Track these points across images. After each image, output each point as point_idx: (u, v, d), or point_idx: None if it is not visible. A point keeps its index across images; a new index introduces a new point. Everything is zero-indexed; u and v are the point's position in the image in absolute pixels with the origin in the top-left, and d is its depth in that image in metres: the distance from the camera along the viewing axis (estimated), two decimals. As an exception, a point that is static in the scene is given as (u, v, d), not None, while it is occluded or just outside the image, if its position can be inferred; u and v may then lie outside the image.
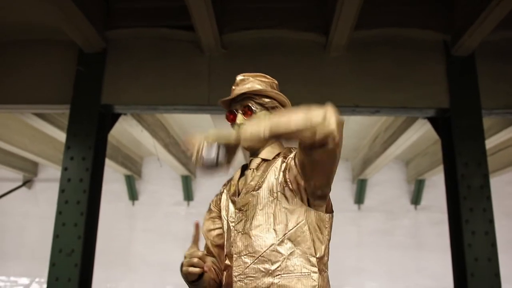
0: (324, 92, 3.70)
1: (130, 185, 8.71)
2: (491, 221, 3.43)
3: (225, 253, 1.54)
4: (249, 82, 1.61)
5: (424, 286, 8.08)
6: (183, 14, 3.45)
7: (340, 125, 1.23)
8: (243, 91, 1.58)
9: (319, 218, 1.44)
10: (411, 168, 8.44)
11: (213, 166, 1.35)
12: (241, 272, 1.41)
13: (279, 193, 1.45)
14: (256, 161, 1.57)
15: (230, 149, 1.38)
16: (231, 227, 1.51)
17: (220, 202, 1.66)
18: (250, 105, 1.57)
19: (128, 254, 8.61)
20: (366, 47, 3.80)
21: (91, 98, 3.76)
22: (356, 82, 3.72)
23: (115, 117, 4.05)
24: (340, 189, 8.56)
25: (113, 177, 8.19)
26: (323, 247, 1.43)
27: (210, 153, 1.34)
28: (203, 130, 1.51)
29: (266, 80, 1.63)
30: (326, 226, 1.46)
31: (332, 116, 1.21)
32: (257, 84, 1.60)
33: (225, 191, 1.66)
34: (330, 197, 1.52)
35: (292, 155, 1.47)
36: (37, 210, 8.78)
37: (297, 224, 1.40)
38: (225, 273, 1.51)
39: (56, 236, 3.51)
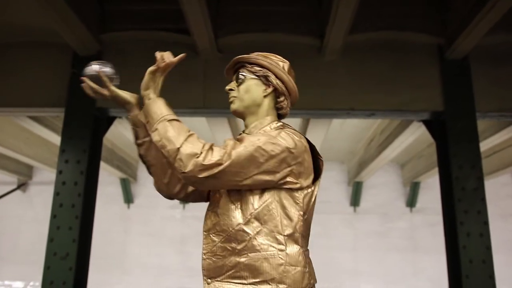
0: (319, 95, 3.71)
1: (126, 188, 8.68)
2: (485, 223, 3.44)
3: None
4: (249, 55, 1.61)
5: (419, 288, 8.11)
6: (178, 18, 3.45)
7: (202, 169, 1.30)
8: (236, 59, 1.59)
9: (288, 195, 1.40)
10: (406, 170, 8.47)
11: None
12: (209, 250, 1.41)
13: None
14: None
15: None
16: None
17: None
18: (240, 71, 1.58)
19: (123, 258, 8.58)
20: (361, 51, 3.82)
21: (86, 101, 3.71)
22: (351, 85, 3.73)
23: (110, 120, 4.04)
24: (336, 192, 8.59)
25: (108, 180, 8.17)
26: (293, 224, 1.38)
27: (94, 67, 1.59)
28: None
29: (273, 58, 1.57)
30: (298, 201, 1.41)
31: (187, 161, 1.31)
32: (256, 57, 1.56)
33: None
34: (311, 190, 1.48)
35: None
36: (32, 214, 8.74)
37: (264, 203, 1.38)
38: None
39: (50, 240, 3.49)
